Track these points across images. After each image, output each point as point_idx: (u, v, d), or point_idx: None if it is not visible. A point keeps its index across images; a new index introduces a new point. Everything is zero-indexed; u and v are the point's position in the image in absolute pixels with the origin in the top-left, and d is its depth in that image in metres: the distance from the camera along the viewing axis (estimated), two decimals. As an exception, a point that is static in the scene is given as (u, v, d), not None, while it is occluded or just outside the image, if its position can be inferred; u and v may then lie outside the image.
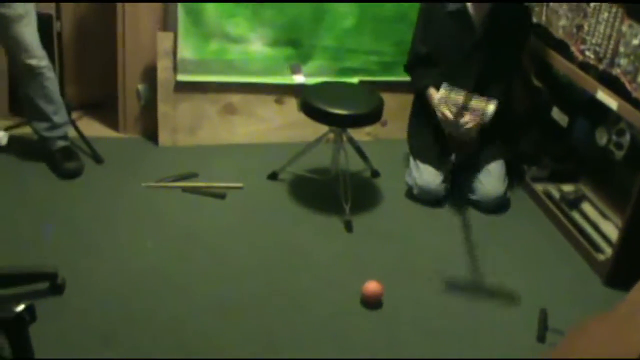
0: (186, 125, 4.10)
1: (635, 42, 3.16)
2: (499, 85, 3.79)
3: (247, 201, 3.68)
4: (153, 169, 3.84)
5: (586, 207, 3.78)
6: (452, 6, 3.71)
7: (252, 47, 4.05)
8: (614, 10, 3.31)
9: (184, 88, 4.01)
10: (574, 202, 3.81)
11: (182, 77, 3.98)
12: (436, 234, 3.61)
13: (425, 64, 3.85)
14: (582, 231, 3.62)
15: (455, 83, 3.73)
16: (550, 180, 3.98)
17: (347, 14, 4.11)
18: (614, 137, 3.49)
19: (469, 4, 3.69)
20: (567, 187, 3.90)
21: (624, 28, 3.24)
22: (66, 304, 2.80)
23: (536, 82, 4.07)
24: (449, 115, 3.61)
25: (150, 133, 4.12)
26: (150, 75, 4.01)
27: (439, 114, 3.68)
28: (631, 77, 3.20)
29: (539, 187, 3.97)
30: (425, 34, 3.81)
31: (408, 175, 3.92)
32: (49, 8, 3.77)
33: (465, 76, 3.78)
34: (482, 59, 3.76)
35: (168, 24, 3.93)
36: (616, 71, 3.30)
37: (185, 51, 3.93)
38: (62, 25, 3.83)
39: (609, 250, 3.43)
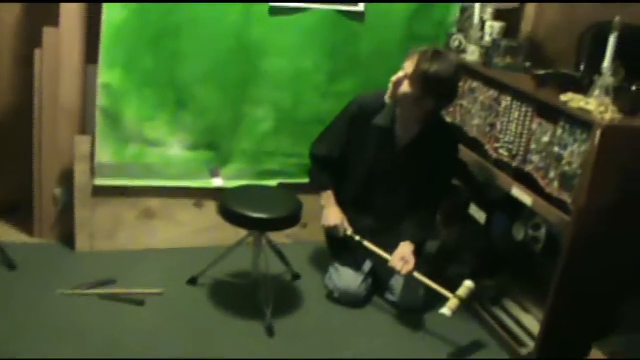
0: (104, 229, 4.03)
1: (545, 139, 3.27)
2: (417, 211, 3.84)
3: (167, 307, 3.60)
4: (69, 275, 3.74)
5: (507, 302, 3.81)
6: (379, 119, 3.75)
7: (171, 150, 4.05)
8: (523, 109, 3.43)
9: (101, 192, 3.96)
10: (495, 298, 3.84)
11: (99, 181, 3.94)
12: (358, 336, 3.58)
13: (330, 166, 3.91)
14: (504, 326, 3.65)
15: (364, 198, 3.86)
16: (471, 277, 4.02)
17: (264, 117, 4.17)
18: (530, 232, 3.56)
19: (398, 122, 3.74)
20: (488, 283, 3.92)
21: (534, 126, 3.36)
22: None
23: (454, 181, 4.14)
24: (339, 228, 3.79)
25: (67, 238, 4.04)
26: (67, 178, 3.95)
27: (324, 221, 3.86)
28: (543, 173, 3.30)
29: (461, 284, 3.98)
30: (345, 138, 3.84)
31: (328, 278, 3.91)
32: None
33: (375, 194, 3.88)
34: (398, 182, 3.83)
35: (86, 127, 3.92)
36: (529, 168, 3.40)
37: (103, 155, 3.90)
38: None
39: (531, 344, 3.44)
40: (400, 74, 3.57)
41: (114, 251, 4.04)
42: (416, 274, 3.65)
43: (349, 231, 3.82)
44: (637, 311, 3.42)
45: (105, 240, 4.04)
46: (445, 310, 3.47)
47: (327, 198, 3.92)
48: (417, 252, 3.74)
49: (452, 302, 3.49)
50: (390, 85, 3.63)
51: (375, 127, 3.74)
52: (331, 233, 3.87)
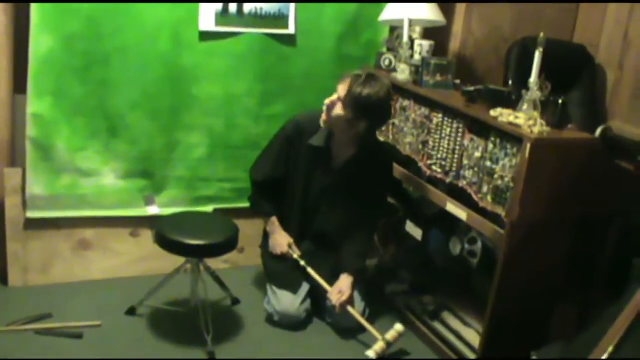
0: (38, 263, 3.95)
1: (477, 154, 3.32)
2: (355, 235, 3.89)
3: (106, 339, 3.54)
4: (4, 311, 3.65)
5: (447, 316, 3.83)
6: (315, 140, 3.78)
7: (105, 180, 4.01)
8: (455, 125, 3.48)
9: (34, 225, 3.90)
10: (435, 313, 3.86)
11: (32, 214, 3.87)
12: (301, 358, 3.58)
13: (271, 189, 3.93)
14: (445, 340, 3.68)
15: (302, 221, 3.90)
16: (410, 293, 4.06)
17: (198, 143, 4.16)
18: (466, 246, 3.62)
19: (334, 143, 3.78)
20: (427, 299, 3.95)
21: (466, 142, 3.40)
22: None
23: (389, 199, 4.18)
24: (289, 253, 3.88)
25: (0, 273, 3.94)
26: (-2, 212, 3.89)
27: (273, 250, 3.92)
28: (477, 188, 3.35)
29: (400, 301, 4.04)
30: (283, 160, 3.86)
31: (267, 302, 3.90)
32: None
33: (313, 216, 3.92)
34: (335, 203, 3.87)
35: (16, 159, 3.85)
36: (462, 183, 3.44)
37: (35, 187, 3.84)
38: None
39: (473, 357, 3.49)
40: (333, 97, 3.61)
41: (49, 285, 3.96)
42: (350, 309, 3.72)
43: (296, 255, 3.86)
44: (568, 317, 3.49)
45: (39, 274, 3.97)
46: (371, 353, 3.57)
47: (272, 225, 3.96)
48: (359, 276, 3.82)
49: (379, 346, 3.59)
50: (324, 109, 3.66)
51: (312, 147, 3.77)
52: (284, 258, 3.90)
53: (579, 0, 3.81)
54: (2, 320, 3.55)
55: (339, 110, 3.58)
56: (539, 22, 3.94)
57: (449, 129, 3.53)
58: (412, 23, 4.00)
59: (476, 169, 3.35)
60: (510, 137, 3.12)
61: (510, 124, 3.12)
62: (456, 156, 3.49)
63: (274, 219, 3.96)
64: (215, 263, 4.02)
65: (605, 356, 2.51)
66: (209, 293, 3.69)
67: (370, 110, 3.53)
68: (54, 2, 3.60)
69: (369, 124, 3.61)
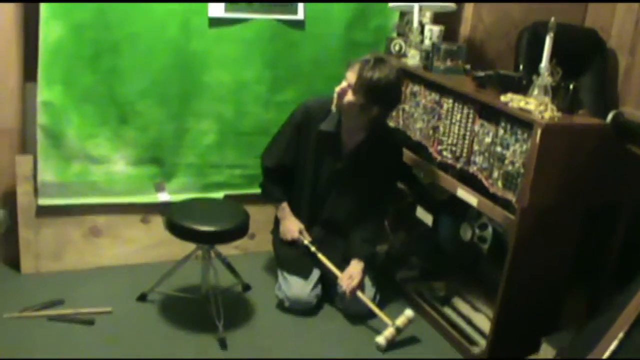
0: (50, 250, 3.97)
1: (487, 140, 3.32)
2: (365, 221, 3.91)
3: (117, 325, 3.56)
4: (15, 298, 3.67)
5: (457, 302, 3.85)
6: (325, 125, 3.78)
7: (115, 167, 4.01)
8: (465, 111, 3.47)
9: (46, 212, 3.90)
10: (445, 299, 3.87)
11: (43, 201, 3.88)
12: (311, 344, 3.59)
13: (282, 175, 3.94)
14: (455, 326, 3.69)
15: (312, 207, 3.90)
16: (420, 279, 4.06)
17: (208, 130, 4.15)
18: (477, 232, 3.61)
19: (343, 129, 3.78)
20: (437, 284, 3.96)
21: (477, 127, 3.39)
22: None
23: (399, 185, 4.18)
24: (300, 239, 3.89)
25: (12, 260, 3.96)
26: (9, 200, 3.88)
27: (284, 236, 3.93)
28: (487, 173, 3.34)
29: (410, 287, 4.04)
30: (293, 146, 3.87)
31: (278, 288, 3.91)
32: None
33: (323, 202, 3.93)
34: (345, 188, 3.87)
35: (27, 147, 3.86)
36: (473, 169, 3.44)
37: (46, 174, 3.85)
38: None
39: (483, 343, 3.49)
40: (343, 84, 3.61)
41: (61, 271, 3.98)
42: (360, 295, 3.73)
43: (306, 241, 3.87)
44: (578, 303, 3.49)
45: (51, 261, 3.98)
46: (381, 339, 3.56)
47: (283, 211, 3.97)
48: (369, 261, 3.84)
49: (389, 332, 3.59)
50: (335, 96, 3.66)
51: (322, 133, 3.77)
52: (295, 244, 3.91)
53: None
54: (15, 307, 3.57)
55: (349, 97, 3.58)
56: (550, 7, 3.92)
57: (459, 115, 3.52)
58: (422, 8, 3.99)
59: (487, 155, 3.34)
60: (520, 122, 3.12)
61: (521, 109, 3.11)
62: (467, 142, 3.48)
63: (285, 205, 3.97)
64: (226, 249, 4.02)
65: (615, 342, 2.51)
66: (219, 279, 3.70)
67: (382, 93, 3.53)
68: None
69: (381, 108, 3.61)
